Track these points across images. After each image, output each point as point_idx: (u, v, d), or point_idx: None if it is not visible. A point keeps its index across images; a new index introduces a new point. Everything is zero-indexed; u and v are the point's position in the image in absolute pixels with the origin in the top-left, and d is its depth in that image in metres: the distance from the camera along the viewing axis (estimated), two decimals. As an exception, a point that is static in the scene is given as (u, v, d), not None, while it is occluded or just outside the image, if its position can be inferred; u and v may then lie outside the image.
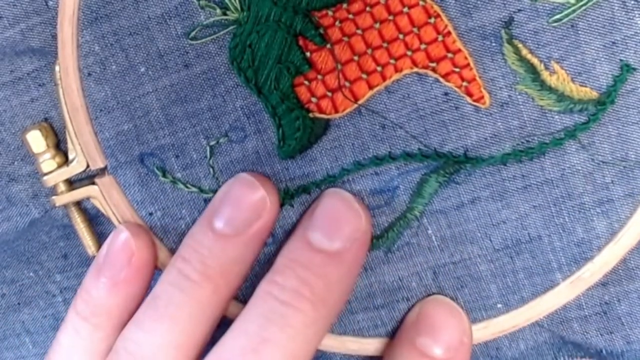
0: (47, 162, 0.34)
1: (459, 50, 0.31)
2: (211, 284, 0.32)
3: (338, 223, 0.33)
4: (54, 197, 0.35)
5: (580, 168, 0.32)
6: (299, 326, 0.31)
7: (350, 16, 0.32)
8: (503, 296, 0.34)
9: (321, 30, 0.32)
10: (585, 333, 0.34)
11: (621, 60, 0.31)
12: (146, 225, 0.35)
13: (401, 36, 0.32)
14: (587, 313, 0.34)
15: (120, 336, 0.33)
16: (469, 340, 0.34)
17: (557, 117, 0.32)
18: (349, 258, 0.32)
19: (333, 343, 0.35)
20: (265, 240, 0.34)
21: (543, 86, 0.31)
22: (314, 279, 0.32)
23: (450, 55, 0.32)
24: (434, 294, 0.34)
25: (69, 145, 0.34)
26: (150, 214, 0.35)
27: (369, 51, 0.32)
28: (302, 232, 0.33)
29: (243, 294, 0.35)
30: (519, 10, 0.31)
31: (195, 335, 0.32)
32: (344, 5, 0.32)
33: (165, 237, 0.35)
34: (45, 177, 0.35)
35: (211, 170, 0.34)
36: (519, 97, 0.32)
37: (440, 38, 0.31)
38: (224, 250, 0.32)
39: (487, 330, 0.34)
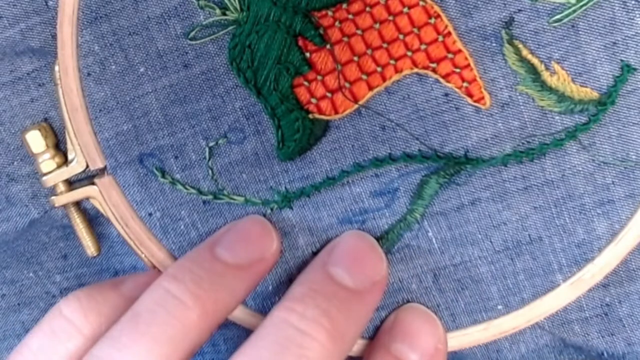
0: (47, 162, 0.34)
1: (460, 51, 0.31)
2: (200, 309, 0.30)
3: (362, 263, 0.32)
4: (53, 198, 0.35)
5: (580, 169, 0.32)
6: (315, 357, 0.30)
7: (350, 16, 0.32)
8: (503, 298, 0.34)
9: (321, 31, 0.32)
10: (586, 335, 0.34)
11: (622, 60, 0.31)
12: (145, 225, 0.35)
13: (401, 36, 0.32)
14: (588, 315, 0.34)
15: (88, 354, 0.30)
16: (443, 347, 0.34)
17: (557, 117, 0.31)
18: (368, 299, 0.32)
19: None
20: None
21: (543, 87, 0.31)
22: (335, 311, 0.31)
23: (450, 55, 0.31)
24: (434, 296, 0.34)
25: (69, 146, 0.34)
26: (150, 214, 0.34)
27: (369, 52, 0.32)
28: (323, 266, 0.32)
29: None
30: (519, 10, 0.31)
31: None
32: (344, 6, 0.32)
33: (164, 237, 0.35)
34: (44, 178, 0.34)
35: (210, 171, 0.34)
36: (519, 97, 0.31)
37: (440, 38, 0.31)
38: (221, 276, 0.31)
39: (487, 331, 0.34)
